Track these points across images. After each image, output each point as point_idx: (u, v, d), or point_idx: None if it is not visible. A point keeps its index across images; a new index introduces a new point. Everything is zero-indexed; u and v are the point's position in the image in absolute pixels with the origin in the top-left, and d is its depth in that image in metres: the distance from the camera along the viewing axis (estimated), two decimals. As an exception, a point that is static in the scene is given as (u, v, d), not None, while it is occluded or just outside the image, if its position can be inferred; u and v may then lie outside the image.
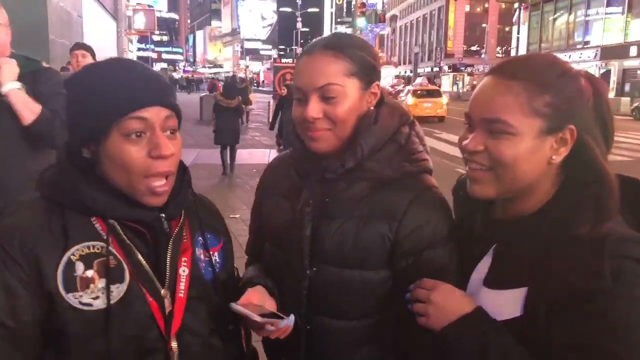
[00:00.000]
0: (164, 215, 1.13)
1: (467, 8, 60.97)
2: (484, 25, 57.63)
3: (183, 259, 1.16)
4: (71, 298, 1.03)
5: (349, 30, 74.02)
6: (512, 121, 1.08)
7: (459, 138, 1.20)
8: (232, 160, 10.44)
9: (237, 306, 1.20)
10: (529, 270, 1.10)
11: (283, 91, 11.06)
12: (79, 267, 1.04)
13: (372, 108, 1.32)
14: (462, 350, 1.11)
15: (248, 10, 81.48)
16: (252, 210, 1.56)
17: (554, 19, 41.18)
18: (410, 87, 27.52)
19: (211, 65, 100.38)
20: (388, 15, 78.54)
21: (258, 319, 1.17)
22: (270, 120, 11.28)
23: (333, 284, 1.30)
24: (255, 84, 49.67)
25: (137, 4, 23.90)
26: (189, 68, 72.85)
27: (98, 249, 1.06)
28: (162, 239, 1.14)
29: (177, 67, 73.75)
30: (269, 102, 19.27)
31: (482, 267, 1.22)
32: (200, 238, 1.24)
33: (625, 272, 0.99)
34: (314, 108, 1.25)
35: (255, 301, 1.25)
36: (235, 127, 10.49)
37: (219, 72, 67.27)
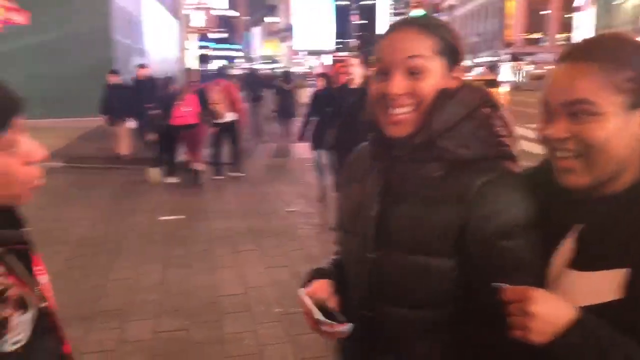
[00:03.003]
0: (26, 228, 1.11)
1: (528, -6, 58.88)
2: (545, 12, 55.53)
3: (36, 268, 1.12)
4: (4, 344, 0.95)
5: (405, 22, 72.89)
6: (595, 99, 1.05)
7: (538, 129, 1.17)
8: (288, 132, 12.68)
9: (305, 296, 1.22)
10: (630, 249, 1.05)
11: (319, 82, 8.96)
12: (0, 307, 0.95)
13: (452, 88, 1.25)
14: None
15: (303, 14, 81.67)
16: (337, 203, 1.54)
17: (621, 2, 39.22)
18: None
19: (268, 61, 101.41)
20: (445, 4, 76.94)
21: (320, 317, 1.18)
22: (303, 123, 8.23)
23: (397, 269, 1.24)
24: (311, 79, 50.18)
25: (198, 2, 24.41)
26: (246, 64, 73.88)
27: (1, 283, 0.97)
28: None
29: (234, 64, 74.93)
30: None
31: (564, 250, 1.16)
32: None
33: None
34: (398, 84, 1.19)
35: (322, 294, 1.26)
36: (292, 104, 12.93)
37: (275, 68, 68.03)
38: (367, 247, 1.28)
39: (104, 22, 15.91)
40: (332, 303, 1.27)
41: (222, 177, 9.34)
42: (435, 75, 1.21)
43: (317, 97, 7.91)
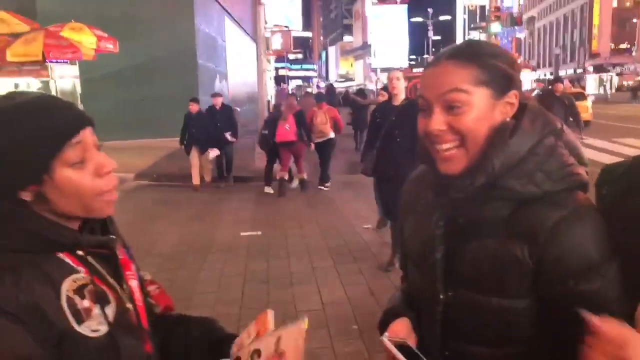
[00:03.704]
0: (114, 236, 1.20)
1: (615, 3, 56.21)
2: (634, 20, 52.73)
3: (128, 272, 1.22)
4: (84, 328, 1.05)
5: (483, 36, 71.60)
6: None
7: None
8: (362, 142, 12.91)
9: (389, 343, 1.21)
10: None
11: (381, 97, 8.01)
12: (77, 299, 1.06)
13: (509, 119, 1.19)
14: None
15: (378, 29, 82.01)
16: (400, 226, 1.52)
17: None
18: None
19: (343, 80, 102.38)
20: (525, 17, 74.84)
21: None
22: (363, 145, 6.77)
23: (469, 310, 1.21)
24: (386, 96, 50.73)
25: (275, 25, 25.10)
26: (321, 84, 75.06)
27: (81, 279, 1.09)
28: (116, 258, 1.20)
29: (310, 83, 76.30)
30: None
31: None
32: (127, 252, 1.28)
33: None
34: (438, 120, 1.16)
35: (402, 335, 1.26)
36: (366, 117, 13.91)
37: (351, 86, 68.57)
38: (437, 288, 1.26)
39: (188, 47, 16.68)
40: (412, 341, 1.26)
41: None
42: (478, 107, 1.15)
43: (373, 114, 6.23)
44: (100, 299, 1.10)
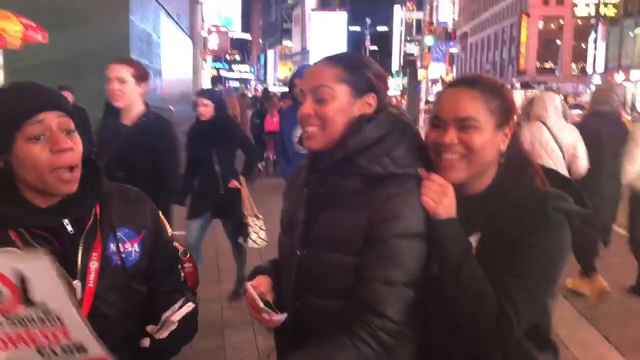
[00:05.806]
0: (66, 220, 1.31)
1: (541, 25, 59.29)
2: (558, 41, 55.87)
3: (94, 254, 1.35)
4: None
5: (418, 48, 73.77)
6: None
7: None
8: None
9: (250, 287, 1.48)
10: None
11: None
12: None
13: (369, 113, 1.47)
14: (455, 246, 1.40)
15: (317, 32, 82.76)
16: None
17: (635, 35, 39.43)
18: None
19: (281, 84, 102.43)
20: (458, 32, 77.67)
21: (261, 304, 1.44)
22: None
23: (318, 265, 1.46)
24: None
25: (212, 25, 24.89)
26: (259, 87, 74.65)
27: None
28: (68, 240, 1.32)
29: (248, 86, 75.88)
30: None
31: None
32: (112, 235, 1.39)
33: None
34: (307, 107, 1.47)
35: (262, 289, 1.52)
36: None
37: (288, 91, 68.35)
38: (296, 246, 1.50)
39: (121, 42, 16.24)
40: (269, 297, 1.51)
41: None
42: (338, 100, 1.45)
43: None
44: None
